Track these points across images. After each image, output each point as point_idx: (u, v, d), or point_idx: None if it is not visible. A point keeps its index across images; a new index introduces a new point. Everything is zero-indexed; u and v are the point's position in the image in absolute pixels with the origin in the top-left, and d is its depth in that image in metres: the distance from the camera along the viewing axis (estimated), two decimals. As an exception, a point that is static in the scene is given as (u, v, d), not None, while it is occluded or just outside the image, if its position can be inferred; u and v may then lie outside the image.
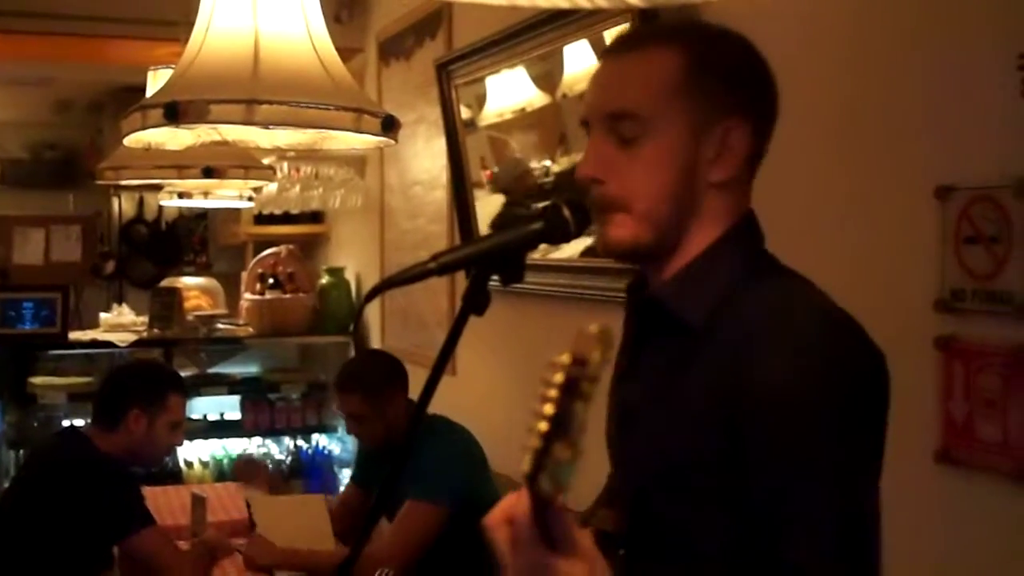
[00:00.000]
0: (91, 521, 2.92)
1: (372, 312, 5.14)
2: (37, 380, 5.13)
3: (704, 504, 1.23)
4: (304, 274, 5.43)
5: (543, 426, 0.94)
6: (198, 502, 3.33)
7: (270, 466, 5.35)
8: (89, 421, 3.31)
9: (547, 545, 0.97)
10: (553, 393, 0.96)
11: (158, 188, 4.12)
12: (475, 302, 1.30)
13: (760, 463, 1.17)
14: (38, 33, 4.89)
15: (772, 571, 1.16)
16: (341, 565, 1.83)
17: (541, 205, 1.37)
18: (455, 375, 3.90)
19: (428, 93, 4.16)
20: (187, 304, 5.58)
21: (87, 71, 6.17)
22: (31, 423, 5.08)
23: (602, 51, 1.37)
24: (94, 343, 5.23)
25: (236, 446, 5.52)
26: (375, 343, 5.13)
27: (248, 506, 3.43)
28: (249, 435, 5.50)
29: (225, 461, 5.43)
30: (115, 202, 7.88)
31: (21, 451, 4.97)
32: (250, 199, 4.14)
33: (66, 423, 4.82)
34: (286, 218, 5.85)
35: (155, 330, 5.31)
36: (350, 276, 5.55)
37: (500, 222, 3.66)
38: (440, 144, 4.06)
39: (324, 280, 5.50)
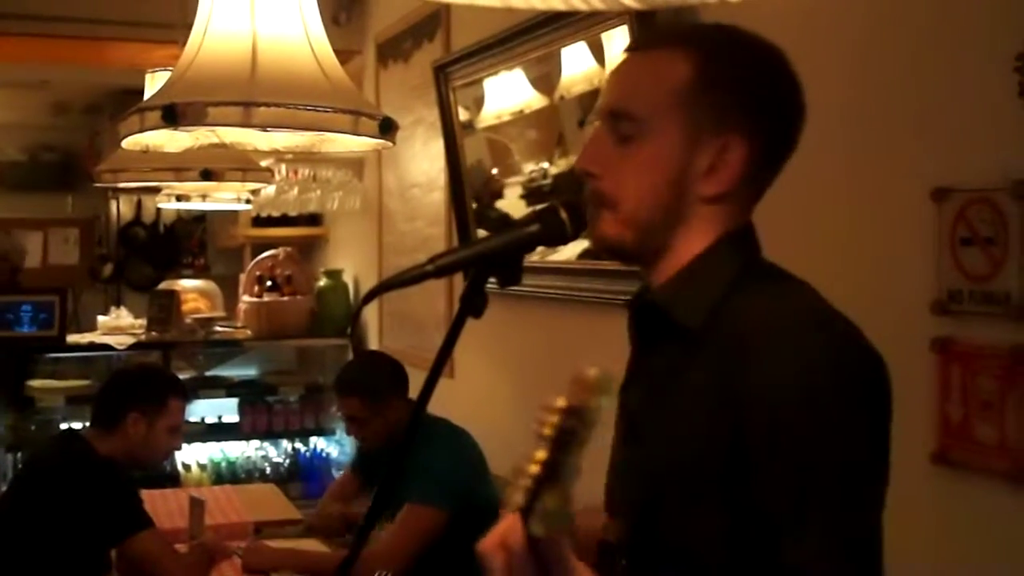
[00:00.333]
0: (89, 524, 2.92)
1: (370, 314, 5.14)
2: (35, 383, 5.14)
3: (706, 511, 1.22)
4: (302, 276, 5.43)
5: (534, 469, 0.94)
6: (196, 505, 3.33)
7: (268, 470, 5.37)
8: (87, 424, 3.30)
9: (542, 572, 0.97)
10: (548, 432, 0.96)
11: (156, 191, 4.11)
12: (473, 304, 1.30)
13: (761, 468, 1.17)
14: (36, 35, 4.89)
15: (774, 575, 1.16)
16: (339, 567, 1.83)
17: (538, 207, 1.37)
18: (453, 377, 3.90)
19: (426, 95, 4.16)
20: (185, 307, 5.58)
21: (85, 73, 6.18)
22: (29, 426, 5.09)
23: (625, 47, 1.35)
24: (92, 346, 5.24)
25: (234, 449, 5.52)
26: (373, 345, 5.13)
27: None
28: (247, 438, 5.50)
29: (223, 464, 5.43)
30: (113, 205, 7.89)
31: (19, 454, 4.98)
32: (248, 201, 4.13)
33: (64, 426, 4.82)
34: (284, 220, 5.85)
35: (153, 333, 5.31)
36: (348, 278, 5.55)
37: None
38: (438, 146, 4.06)
39: (322, 282, 5.50)
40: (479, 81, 3.66)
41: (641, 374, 1.36)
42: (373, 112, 1.94)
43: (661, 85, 1.29)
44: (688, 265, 1.30)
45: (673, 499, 1.26)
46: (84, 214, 8.02)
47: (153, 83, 3.46)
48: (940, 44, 1.95)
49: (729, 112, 1.28)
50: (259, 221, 5.92)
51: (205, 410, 5.50)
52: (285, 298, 5.34)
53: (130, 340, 5.20)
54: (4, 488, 4.10)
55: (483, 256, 1.32)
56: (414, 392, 3.00)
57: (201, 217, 7.70)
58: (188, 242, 7.89)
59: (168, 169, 3.18)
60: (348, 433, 3.38)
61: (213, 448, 5.51)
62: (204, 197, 3.79)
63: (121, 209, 7.91)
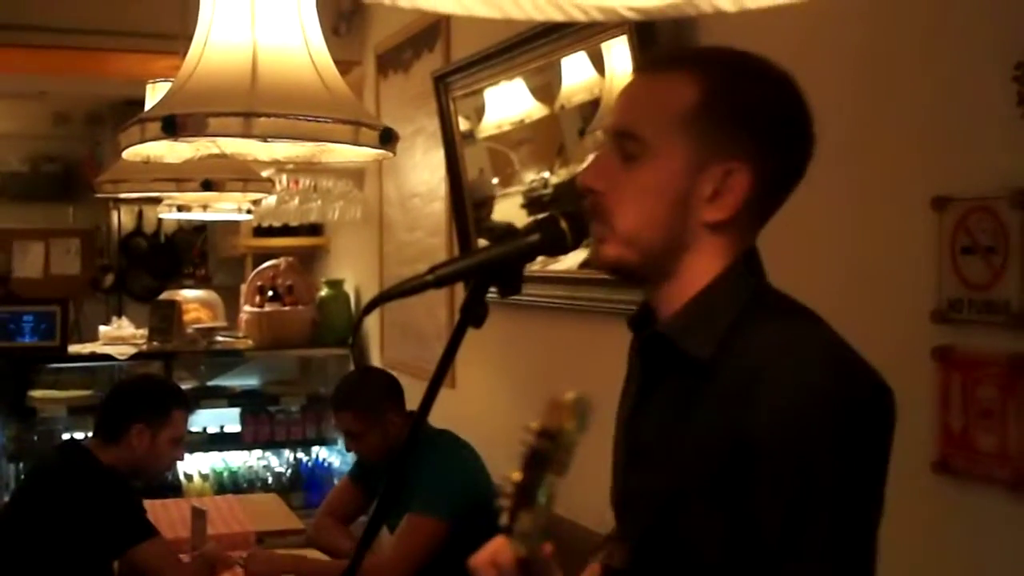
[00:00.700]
0: (93, 534, 2.92)
1: (371, 325, 5.14)
2: (37, 393, 5.14)
3: (711, 540, 1.23)
4: (303, 286, 5.43)
5: (510, 490, 0.94)
6: (198, 515, 3.32)
7: (270, 480, 5.37)
8: (90, 434, 3.30)
9: None
10: (524, 453, 0.96)
11: (157, 201, 4.12)
12: (473, 314, 1.30)
13: (764, 498, 1.18)
14: (37, 46, 4.90)
15: None
16: (341, 577, 1.83)
17: (539, 217, 1.37)
18: (454, 388, 3.90)
19: (426, 105, 4.16)
20: (186, 317, 5.57)
21: (86, 84, 6.18)
22: (31, 436, 5.08)
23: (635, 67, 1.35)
24: (93, 356, 5.23)
25: (236, 459, 5.52)
26: (374, 355, 5.13)
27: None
28: (249, 448, 5.49)
29: (225, 474, 5.43)
30: (114, 215, 7.90)
31: (21, 464, 4.98)
32: (249, 212, 4.14)
33: (66, 436, 4.83)
34: (285, 230, 5.84)
35: (155, 343, 5.31)
36: (349, 288, 5.55)
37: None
38: (438, 156, 4.07)
39: (323, 292, 5.50)
40: (479, 91, 3.67)
41: (650, 405, 1.35)
42: (373, 122, 1.94)
43: (667, 108, 1.28)
44: (696, 297, 1.30)
45: (679, 528, 1.26)
46: (85, 224, 8.03)
47: (154, 94, 3.47)
48: (940, 53, 1.95)
49: (734, 138, 1.27)
50: (260, 231, 5.92)
51: (207, 420, 5.49)
52: (286, 308, 5.34)
53: (132, 350, 5.20)
54: (7, 498, 4.10)
55: (484, 266, 1.32)
56: (414, 402, 3.00)
57: (202, 227, 7.71)
58: (189, 252, 7.89)
59: (169, 179, 3.18)
60: (347, 449, 3.38)
61: (215, 458, 5.50)
62: (205, 207, 3.80)
63: (122, 219, 7.92)
